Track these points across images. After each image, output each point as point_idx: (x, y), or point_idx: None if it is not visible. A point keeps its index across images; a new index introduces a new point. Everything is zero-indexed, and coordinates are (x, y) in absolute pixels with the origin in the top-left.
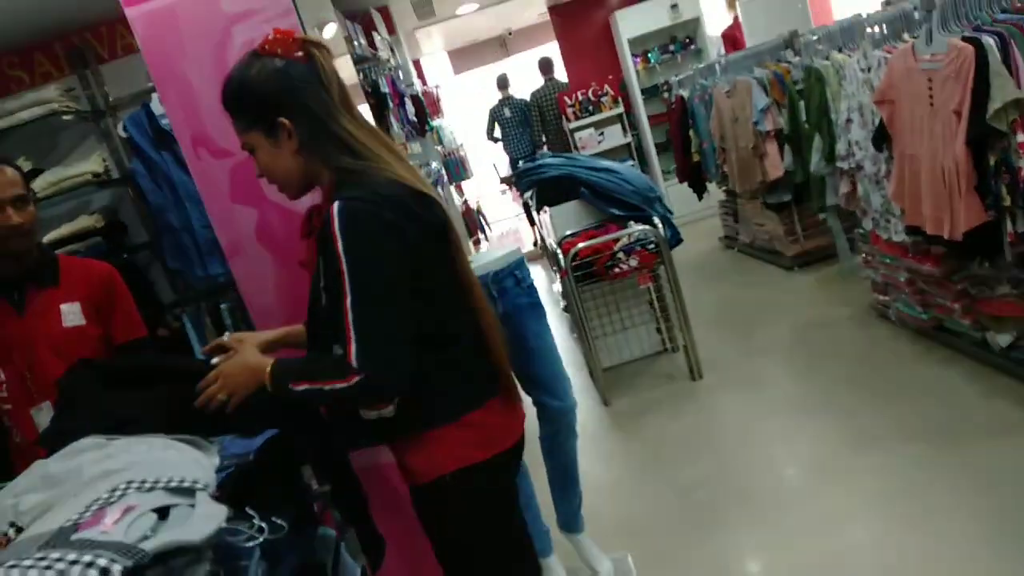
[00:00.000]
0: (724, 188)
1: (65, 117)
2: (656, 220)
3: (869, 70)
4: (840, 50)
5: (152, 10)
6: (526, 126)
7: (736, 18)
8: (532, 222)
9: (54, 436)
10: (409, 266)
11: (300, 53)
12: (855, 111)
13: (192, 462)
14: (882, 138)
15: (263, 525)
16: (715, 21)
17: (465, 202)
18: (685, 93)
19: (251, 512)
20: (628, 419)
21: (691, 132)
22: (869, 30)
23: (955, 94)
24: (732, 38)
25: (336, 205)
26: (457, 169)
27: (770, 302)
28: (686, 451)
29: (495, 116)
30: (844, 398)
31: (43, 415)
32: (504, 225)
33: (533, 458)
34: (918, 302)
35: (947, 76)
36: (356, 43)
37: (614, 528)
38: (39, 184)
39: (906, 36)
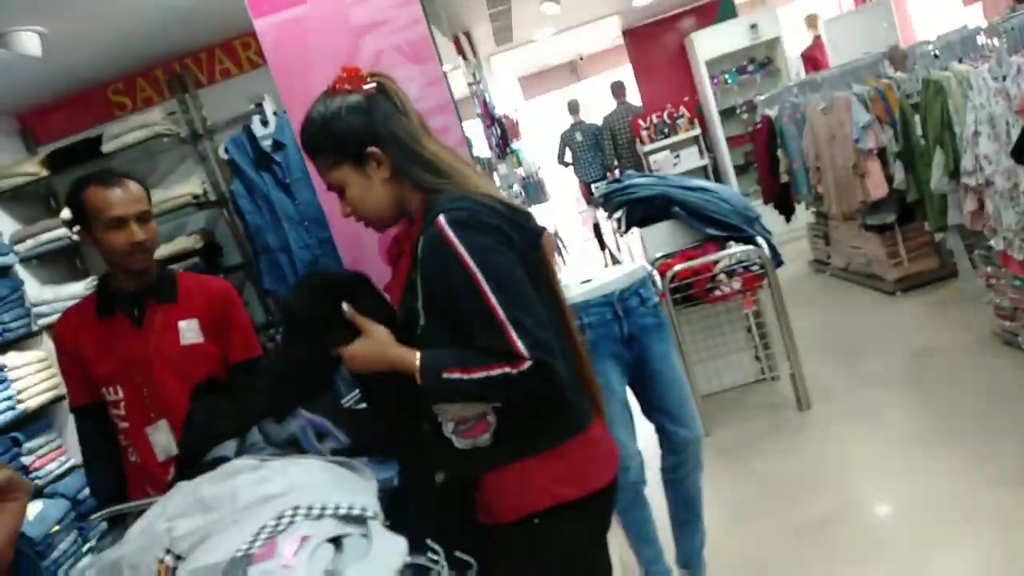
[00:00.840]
0: (814, 210)
1: (165, 140)
2: (759, 240)
3: (1004, 78)
4: (960, 61)
5: (281, 22)
6: (598, 150)
7: (817, 38)
8: (603, 245)
9: (188, 456)
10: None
11: (372, 86)
12: (984, 123)
13: (352, 486)
14: None
15: (445, 563)
16: (795, 41)
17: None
18: (771, 112)
19: (432, 545)
20: (733, 451)
21: (779, 152)
22: (988, 40)
23: None
24: (812, 58)
25: (442, 218)
26: (536, 192)
27: (875, 328)
28: (802, 487)
29: (566, 141)
30: (976, 432)
31: (159, 433)
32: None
33: (654, 491)
34: None
35: None
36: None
37: (732, 570)
38: None
39: None
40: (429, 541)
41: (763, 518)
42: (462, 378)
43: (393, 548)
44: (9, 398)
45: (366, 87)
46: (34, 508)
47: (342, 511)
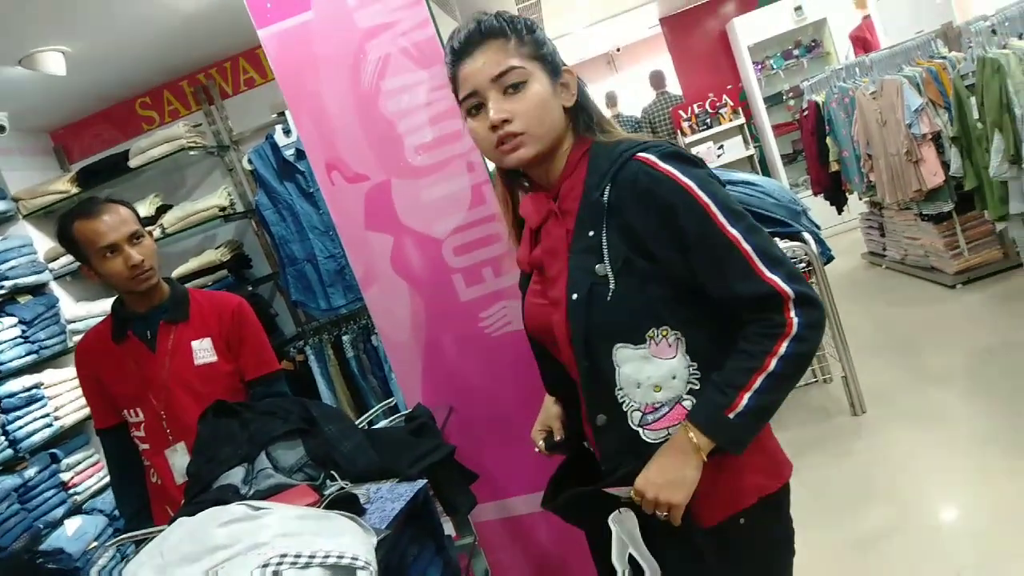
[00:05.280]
0: (867, 199)
1: (192, 152)
2: (806, 236)
3: None
4: (1021, 36)
5: (285, 29)
6: None
7: (866, 17)
8: None
9: (195, 482)
10: None
11: None
12: None
13: (350, 536)
14: None
15: None
16: (843, 22)
17: None
18: (819, 98)
19: None
20: None
21: (828, 140)
22: None
23: None
24: (862, 39)
25: (645, 155)
26: None
27: (935, 324)
28: (859, 497)
29: None
30: None
31: (178, 456)
32: None
33: None
34: None
35: None
36: None
37: None
38: (168, 220)
39: None
40: None
41: (814, 531)
42: (749, 401)
43: None
44: (47, 415)
45: None
46: (73, 524)
47: (331, 560)
